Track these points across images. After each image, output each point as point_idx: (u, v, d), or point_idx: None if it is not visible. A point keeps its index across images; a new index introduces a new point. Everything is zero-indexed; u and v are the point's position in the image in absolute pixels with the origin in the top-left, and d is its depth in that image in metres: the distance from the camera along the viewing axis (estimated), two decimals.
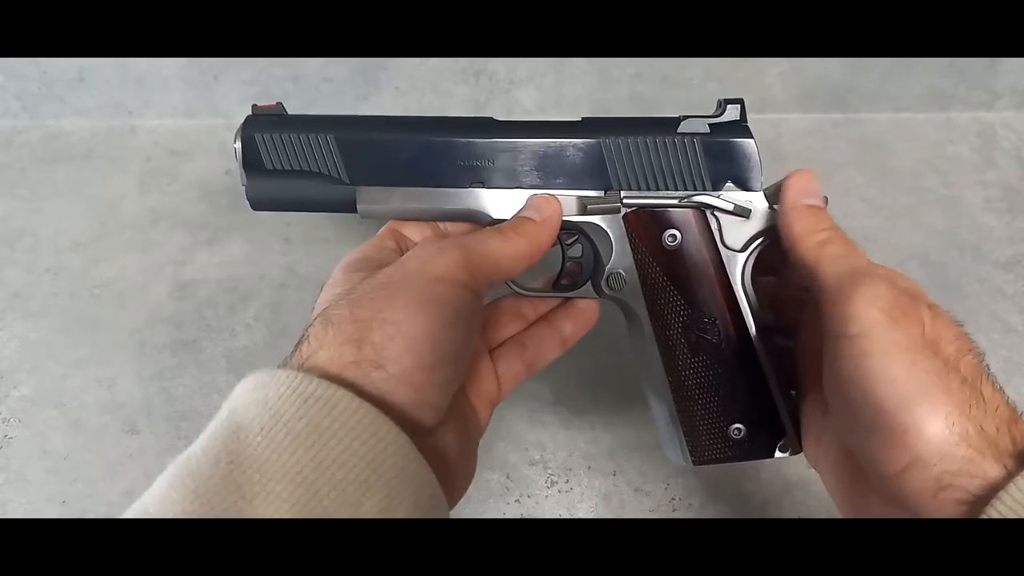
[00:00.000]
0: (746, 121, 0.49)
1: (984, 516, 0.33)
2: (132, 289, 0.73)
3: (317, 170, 0.49)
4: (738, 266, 0.48)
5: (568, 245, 0.52)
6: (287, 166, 0.49)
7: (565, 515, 0.61)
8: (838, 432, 0.43)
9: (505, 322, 0.53)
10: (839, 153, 0.85)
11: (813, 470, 0.47)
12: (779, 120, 0.87)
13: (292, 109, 0.51)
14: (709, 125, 0.48)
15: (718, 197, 0.48)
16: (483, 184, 0.49)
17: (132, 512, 0.34)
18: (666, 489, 0.62)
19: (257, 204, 0.50)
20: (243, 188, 0.49)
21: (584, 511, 0.61)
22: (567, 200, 0.49)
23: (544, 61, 0.82)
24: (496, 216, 0.49)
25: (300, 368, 0.38)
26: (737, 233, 0.48)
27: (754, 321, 0.49)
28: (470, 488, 0.46)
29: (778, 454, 0.49)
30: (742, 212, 0.48)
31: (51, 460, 0.62)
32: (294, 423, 0.35)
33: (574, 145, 0.48)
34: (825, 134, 0.87)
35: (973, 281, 0.75)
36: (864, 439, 0.38)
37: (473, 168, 0.49)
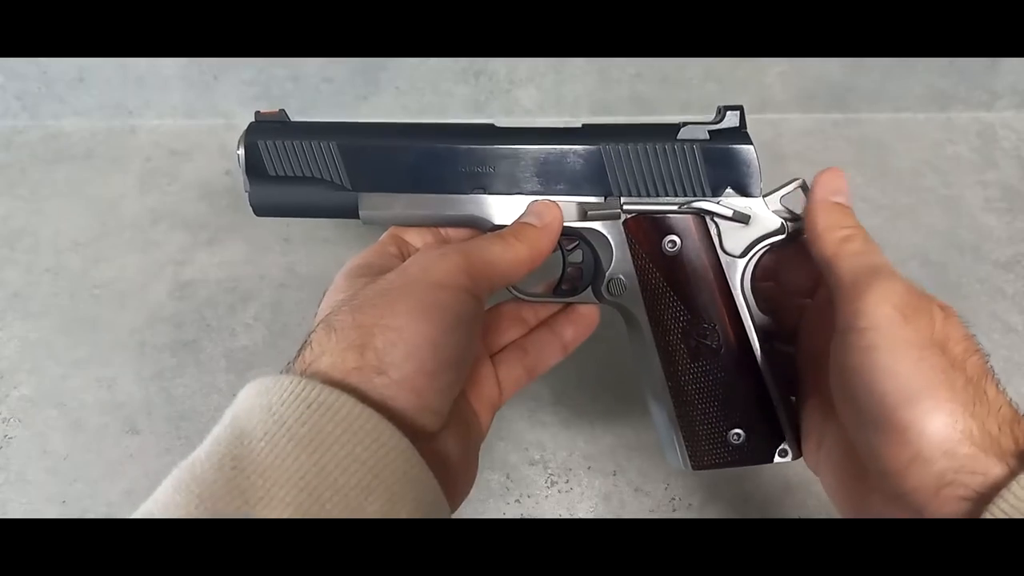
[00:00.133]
0: (745, 127, 0.49)
1: (987, 514, 0.33)
2: (132, 289, 0.73)
3: (320, 177, 0.49)
4: (738, 272, 0.49)
5: (569, 251, 0.52)
6: (290, 173, 0.49)
7: (565, 515, 0.61)
8: (841, 429, 0.43)
9: (506, 327, 0.54)
10: (839, 153, 0.85)
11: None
12: (779, 120, 0.87)
13: (292, 109, 0.51)
14: (709, 131, 0.48)
15: (718, 203, 0.48)
16: (484, 190, 0.49)
17: (138, 516, 0.34)
18: (666, 489, 0.62)
19: (260, 210, 0.50)
20: (246, 194, 0.50)
21: (584, 511, 0.61)
22: (568, 206, 0.49)
23: (544, 61, 0.82)
24: (497, 222, 0.49)
25: (303, 374, 0.39)
26: (736, 239, 0.48)
27: (754, 326, 0.49)
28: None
29: (777, 459, 0.49)
30: (741, 218, 0.48)
31: (51, 460, 0.62)
32: (297, 428, 0.35)
33: (575, 151, 0.49)
34: (825, 134, 0.87)
35: (973, 281, 0.75)
36: (867, 434, 0.38)
37: (474, 174, 0.49)
